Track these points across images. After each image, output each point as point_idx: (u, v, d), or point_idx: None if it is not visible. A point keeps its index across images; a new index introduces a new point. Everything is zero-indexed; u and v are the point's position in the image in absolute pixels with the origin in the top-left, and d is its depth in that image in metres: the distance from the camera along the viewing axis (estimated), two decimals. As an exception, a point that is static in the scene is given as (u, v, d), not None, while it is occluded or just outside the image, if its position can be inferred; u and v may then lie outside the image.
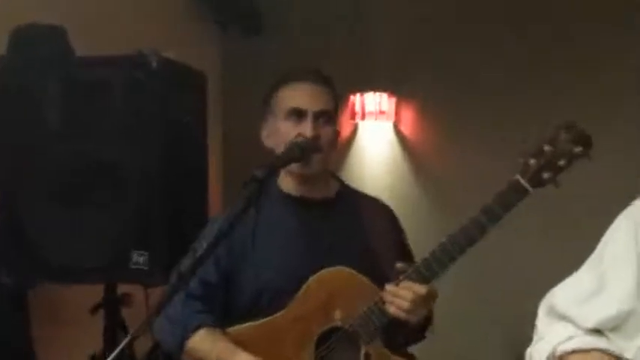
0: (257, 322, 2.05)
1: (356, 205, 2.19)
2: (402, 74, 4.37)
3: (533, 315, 1.70)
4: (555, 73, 4.11)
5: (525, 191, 1.85)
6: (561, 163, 1.81)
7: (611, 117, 3.83)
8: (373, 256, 2.08)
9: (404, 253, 2.16)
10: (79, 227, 2.47)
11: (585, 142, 1.80)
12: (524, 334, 1.73)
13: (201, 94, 2.78)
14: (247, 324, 2.06)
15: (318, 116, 2.07)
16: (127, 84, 2.47)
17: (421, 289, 1.92)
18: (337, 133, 2.19)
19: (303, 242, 2.11)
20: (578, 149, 1.79)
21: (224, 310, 2.11)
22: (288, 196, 2.15)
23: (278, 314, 2.05)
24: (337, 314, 2.02)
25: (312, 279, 2.03)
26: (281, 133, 2.09)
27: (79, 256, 2.47)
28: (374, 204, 2.24)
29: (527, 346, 1.66)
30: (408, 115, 4.44)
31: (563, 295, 1.62)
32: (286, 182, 2.16)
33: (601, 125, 1.91)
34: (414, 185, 4.42)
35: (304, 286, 2.03)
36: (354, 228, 2.14)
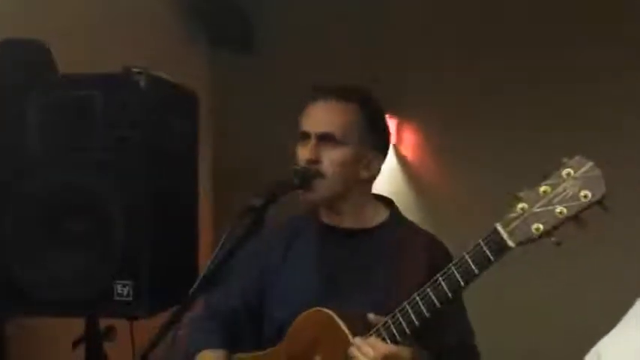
0: (260, 353, 1.96)
1: (396, 240, 1.95)
2: (402, 95, 4.28)
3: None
4: (559, 96, 4.03)
5: (506, 247, 1.48)
6: (560, 211, 1.39)
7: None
8: (392, 299, 1.81)
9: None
10: (59, 257, 2.32)
11: (595, 184, 1.36)
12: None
13: (193, 116, 2.64)
14: (253, 353, 1.98)
15: (322, 138, 1.92)
16: (112, 104, 2.31)
17: (383, 348, 1.71)
18: (364, 156, 1.95)
19: (323, 276, 1.94)
20: (584, 193, 1.37)
21: (252, 339, 2.01)
22: (321, 225, 2.02)
23: (268, 350, 1.95)
24: None
25: (300, 317, 1.88)
26: (296, 156, 1.97)
27: (60, 288, 2.32)
28: (420, 242, 1.98)
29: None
30: (409, 137, 4.36)
31: (614, 353, 1.40)
32: (321, 210, 2.03)
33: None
34: (415, 209, 4.32)
35: (293, 325, 1.88)
36: (383, 265, 1.92)
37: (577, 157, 1.40)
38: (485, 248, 1.54)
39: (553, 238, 1.44)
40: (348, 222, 1.98)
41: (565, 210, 1.39)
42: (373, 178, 2.01)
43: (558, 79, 4.04)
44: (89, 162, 2.32)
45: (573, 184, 1.38)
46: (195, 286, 1.64)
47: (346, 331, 1.81)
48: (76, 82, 2.39)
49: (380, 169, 2.01)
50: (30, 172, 2.36)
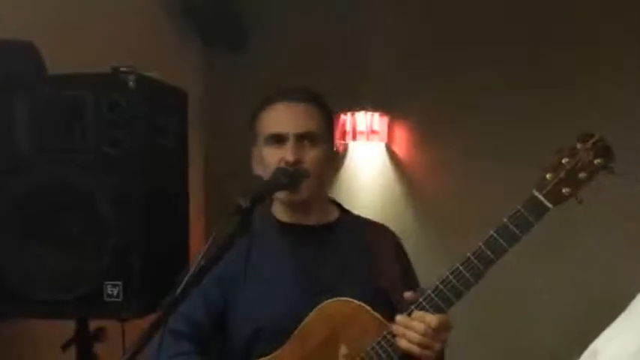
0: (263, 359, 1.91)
1: (358, 231, 2.04)
2: (394, 93, 4.28)
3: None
4: (554, 95, 4.03)
5: (545, 208, 1.74)
6: (582, 176, 1.73)
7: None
8: (377, 286, 1.92)
9: (410, 283, 1.99)
10: (49, 258, 2.30)
11: (606, 153, 1.72)
12: None
13: (183, 115, 2.64)
14: None
15: (300, 138, 1.93)
16: (101, 105, 2.30)
17: (433, 319, 1.77)
18: (331, 154, 2.03)
19: (301, 274, 1.95)
20: (598, 161, 1.72)
21: (218, 352, 1.98)
22: (283, 225, 2.02)
23: (274, 354, 1.90)
24: (342, 350, 1.86)
25: (313, 312, 1.88)
26: (265, 159, 1.96)
27: (49, 289, 2.31)
28: (378, 230, 2.09)
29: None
30: (402, 135, 4.35)
31: (609, 354, 1.40)
32: (280, 210, 2.03)
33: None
34: (407, 208, 4.32)
35: (304, 321, 1.88)
36: (356, 256, 1.99)
37: (583, 133, 1.75)
38: (525, 213, 1.74)
39: (578, 198, 1.75)
40: (312, 219, 2.02)
41: (586, 175, 1.72)
42: (332, 173, 2.06)
43: (554, 77, 4.03)
44: (79, 162, 2.31)
45: (587, 154, 1.72)
46: (181, 286, 1.62)
47: (376, 314, 1.85)
48: (65, 82, 2.38)
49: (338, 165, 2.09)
50: (19, 172, 2.34)
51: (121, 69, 2.31)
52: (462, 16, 4.21)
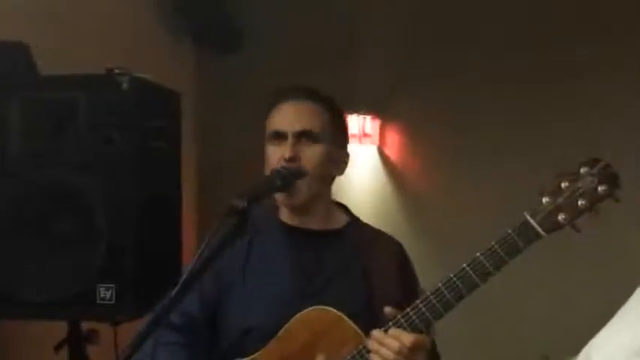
0: None
1: (363, 242, 1.98)
2: (386, 96, 4.29)
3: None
4: (554, 93, 4.04)
5: (536, 235, 1.64)
6: (582, 203, 1.61)
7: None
8: (369, 299, 1.88)
9: (412, 298, 1.90)
10: (42, 260, 2.30)
11: (612, 180, 1.60)
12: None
13: (176, 116, 2.64)
14: None
15: (299, 136, 1.91)
16: (94, 106, 2.30)
17: (408, 338, 1.73)
18: (335, 155, 1.97)
19: (295, 277, 1.93)
20: (603, 188, 1.60)
21: (208, 347, 1.96)
22: (287, 227, 2.00)
23: (256, 355, 1.89)
24: (318, 359, 1.85)
25: (295, 317, 1.86)
26: (267, 158, 1.95)
27: (42, 291, 2.30)
28: (385, 243, 2.04)
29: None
30: (393, 138, 4.35)
31: (605, 353, 1.39)
32: (284, 212, 2.01)
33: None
34: (399, 211, 4.32)
35: (286, 325, 1.86)
36: (354, 266, 1.95)
37: (593, 157, 1.63)
38: (516, 238, 1.65)
39: (576, 227, 1.65)
40: (315, 223, 1.98)
41: (587, 202, 1.61)
42: (338, 175, 2.03)
43: (554, 77, 4.04)
44: (72, 163, 2.31)
45: (591, 180, 1.60)
46: (177, 288, 1.62)
47: (354, 326, 1.83)
48: (59, 84, 2.39)
49: (346, 167, 2.04)
50: (12, 173, 2.35)
51: (115, 70, 2.32)
52: (454, 18, 4.21)
